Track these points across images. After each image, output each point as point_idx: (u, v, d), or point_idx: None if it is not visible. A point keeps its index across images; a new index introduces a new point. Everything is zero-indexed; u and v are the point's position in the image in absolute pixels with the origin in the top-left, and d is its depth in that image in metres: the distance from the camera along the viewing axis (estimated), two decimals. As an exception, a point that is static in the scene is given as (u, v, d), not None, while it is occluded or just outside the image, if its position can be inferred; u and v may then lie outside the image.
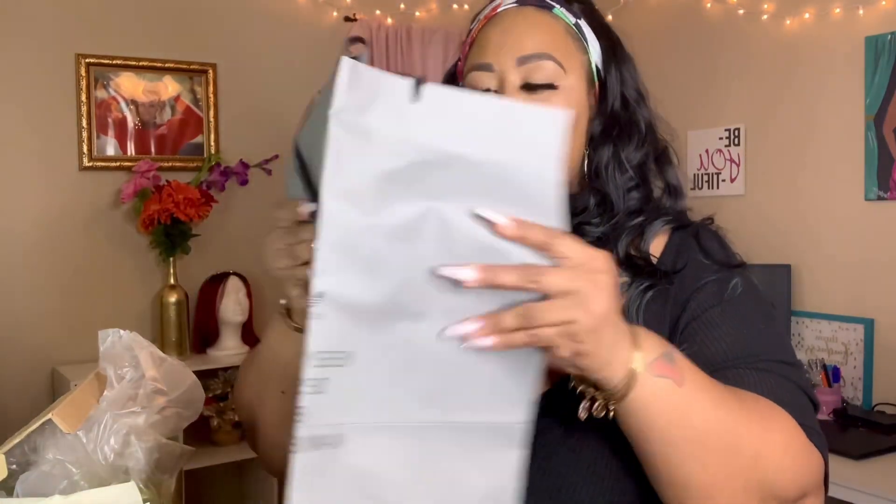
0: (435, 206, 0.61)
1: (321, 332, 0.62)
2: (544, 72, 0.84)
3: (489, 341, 0.62)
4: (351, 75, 0.60)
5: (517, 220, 0.60)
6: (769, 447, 0.72)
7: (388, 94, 0.61)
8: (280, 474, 1.00)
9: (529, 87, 0.85)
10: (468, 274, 0.60)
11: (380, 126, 0.61)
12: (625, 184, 0.89)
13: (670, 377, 0.67)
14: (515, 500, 0.67)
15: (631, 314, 0.84)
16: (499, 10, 0.89)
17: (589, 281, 0.61)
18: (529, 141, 0.62)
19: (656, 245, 0.89)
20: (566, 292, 0.60)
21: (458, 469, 0.67)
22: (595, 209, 0.88)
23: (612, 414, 0.68)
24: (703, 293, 0.85)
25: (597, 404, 0.68)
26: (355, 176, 0.60)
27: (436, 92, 0.62)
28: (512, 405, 0.66)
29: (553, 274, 0.60)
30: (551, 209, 0.62)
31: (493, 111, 0.63)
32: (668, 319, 0.84)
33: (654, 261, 0.88)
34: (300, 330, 0.80)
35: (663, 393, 0.67)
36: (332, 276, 0.61)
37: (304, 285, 0.74)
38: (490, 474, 0.67)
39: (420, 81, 0.61)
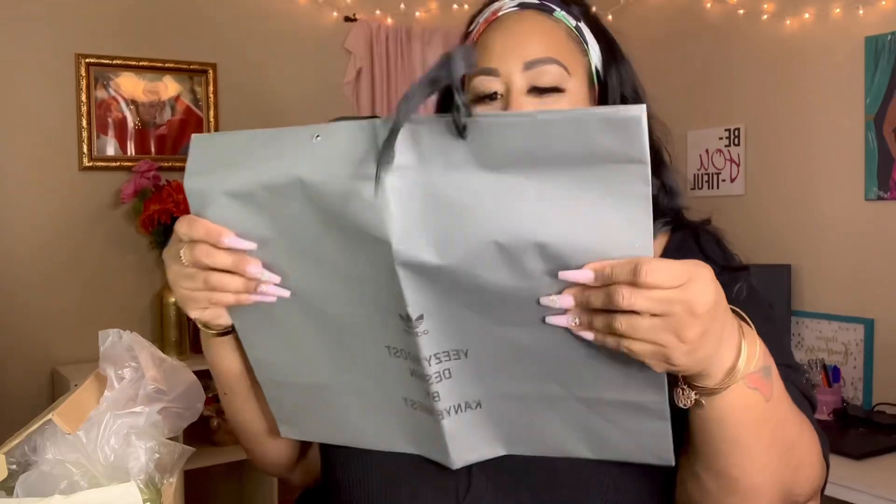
0: (498, 237, 0.61)
1: (429, 343, 0.68)
2: (550, 76, 0.84)
3: (589, 335, 0.63)
4: (399, 138, 0.61)
5: (596, 270, 0.59)
6: (808, 457, 0.75)
7: (434, 139, 0.62)
8: (263, 470, 1.02)
9: (536, 92, 0.85)
10: (567, 302, 0.62)
11: (432, 170, 0.62)
12: None
13: (762, 391, 0.67)
14: (672, 457, 0.70)
15: None
16: (499, 14, 0.89)
17: (682, 306, 0.58)
18: (605, 147, 0.57)
19: (656, 246, 0.89)
20: (656, 313, 0.58)
21: (604, 428, 0.71)
22: None
23: (693, 403, 0.67)
24: None
25: (682, 393, 0.67)
26: (419, 222, 0.62)
27: (480, 123, 0.60)
28: (642, 388, 0.66)
29: (639, 296, 0.58)
30: (637, 222, 0.59)
31: (550, 124, 0.58)
32: None
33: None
34: (220, 334, 0.82)
35: (751, 402, 0.66)
36: (422, 301, 0.66)
37: (215, 305, 0.74)
38: (638, 438, 0.70)
39: (459, 120, 0.60)
